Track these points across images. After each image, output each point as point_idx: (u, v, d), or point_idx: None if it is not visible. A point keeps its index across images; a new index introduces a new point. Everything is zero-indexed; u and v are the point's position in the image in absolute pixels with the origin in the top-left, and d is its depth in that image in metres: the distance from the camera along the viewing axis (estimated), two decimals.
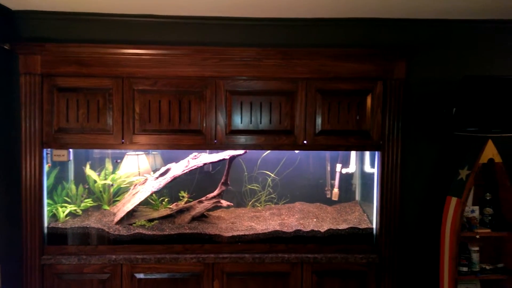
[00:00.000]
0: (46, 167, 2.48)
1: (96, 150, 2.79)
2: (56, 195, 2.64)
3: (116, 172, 2.78)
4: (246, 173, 2.93)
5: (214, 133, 2.47)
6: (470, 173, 2.42)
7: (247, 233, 2.56)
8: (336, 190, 2.93)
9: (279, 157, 2.91)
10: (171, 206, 2.72)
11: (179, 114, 2.45)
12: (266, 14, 2.57)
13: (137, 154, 2.82)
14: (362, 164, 2.87)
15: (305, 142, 2.49)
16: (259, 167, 2.92)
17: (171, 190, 2.79)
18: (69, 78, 2.40)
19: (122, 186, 2.78)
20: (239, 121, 2.48)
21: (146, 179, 2.73)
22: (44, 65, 2.38)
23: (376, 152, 2.54)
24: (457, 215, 2.40)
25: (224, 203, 2.77)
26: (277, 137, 2.49)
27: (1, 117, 2.45)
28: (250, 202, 2.96)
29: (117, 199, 2.78)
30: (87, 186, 2.73)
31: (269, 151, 2.84)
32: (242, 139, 2.49)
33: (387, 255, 2.51)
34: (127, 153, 2.82)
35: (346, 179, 2.97)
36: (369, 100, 2.48)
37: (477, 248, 2.51)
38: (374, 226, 2.58)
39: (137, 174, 2.79)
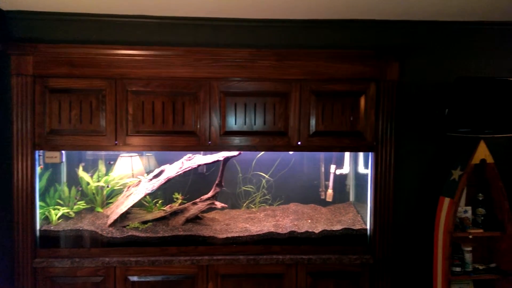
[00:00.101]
0: (38, 169, 2.46)
1: (89, 152, 2.77)
2: (48, 197, 2.61)
3: (109, 174, 2.76)
4: (240, 175, 2.93)
5: (208, 135, 2.46)
6: (462, 173, 2.44)
7: (241, 234, 2.55)
8: (330, 191, 2.94)
9: (274, 158, 2.91)
10: (165, 208, 2.71)
11: (173, 115, 2.44)
12: (260, 15, 2.57)
13: (131, 156, 2.80)
14: (356, 165, 2.88)
15: (299, 143, 2.50)
16: (254, 168, 2.91)
17: (165, 192, 2.78)
18: (62, 79, 2.38)
19: (115, 188, 2.76)
20: (233, 122, 2.48)
21: (139, 181, 2.72)
22: (36, 66, 2.36)
23: (370, 153, 2.55)
24: (450, 215, 2.42)
25: (219, 204, 2.76)
26: (271, 138, 2.49)
27: None
28: (245, 204, 2.96)
29: (110, 201, 2.76)
30: (80, 188, 2.70)
31: (263, 152, 2.84)
32: (236, 140, 2.48)
33: (381, 256, 2.52)
34: (121, 155, 2.80)
35: (340, 180, 2.98)
36: (362, 101, 2.49)
37: (470, 248, 2.53)
38: (368, 227, 2.59)
39: (131, 176, 2.77)
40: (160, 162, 2.84)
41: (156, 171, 2.71)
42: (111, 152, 2.77)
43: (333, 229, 2.58)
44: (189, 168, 2.65)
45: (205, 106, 2.44)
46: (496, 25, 2.69)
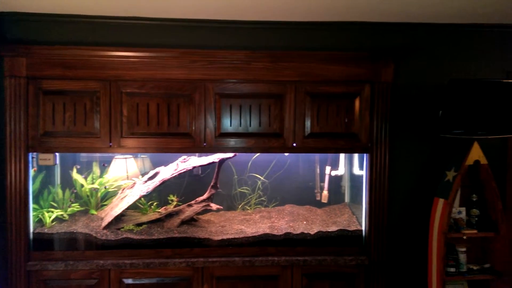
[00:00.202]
0: (31, 172, 2.44)
1: (83, 154, 2.76)
2: (42, 200, 2.59)
3: (103, 176, 2.74)
4: (236, 176, 2.92)
5: (203, 136, 2.46)
6: (456, 174, 2.45)
7: (237, 236, 2.55)
8: (325, 192, 2.94)
9: (269, 160, 2.91)
10: (160, 210, 2.70)
11: (168, 117, 2.43)
12: (255, 17, 2.57)
13: (125, 158, 2.79)
14: (351, 166, 2.89)
15: (294, 144, 2.50)
16: (249, 170, 2.91)
17: (160, 193, 2.77)
18: (55, 80, 2.37)
19: (110, 190, 2.74)
20: (229, 124, 2.48)
21: (134, 183, 2.70)
22: (30, 67, 2.34)
23: (365, 155, 2.56)
24: (444, 216, 2.43)
25: (214, 206, 2.75)
26: (267, 140, 2.49)
27: None
28: (240, 205, 2.95)
29: (105, 203, 2.75)
30: (75, 191, 2.68)
31: (258, 154, 2.84)
32: (231, 142, 2.48)
33: (376, 257, 2.53)
34: (115, 157, 2.78)
35: (336, 181, 2.99)
36: (357, 103, 2.50)
37: (464, 249, 2.54)
38: (363, 228, 2.59)
39: (126, 178, 2.76)
40: (155, 164, 2.83)
41: (151, 173, 2.70)
42: (105, 154, 2.76)
43: (329, 230, 2.59)
44: (184, 170, 2.65)
45: (200, 108, 2.44)
46: (490, 27, 2.72)
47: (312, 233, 2.57)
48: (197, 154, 2.73)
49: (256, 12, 2.46)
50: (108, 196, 2.77)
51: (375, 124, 2.50)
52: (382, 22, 2.67)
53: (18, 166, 2.36)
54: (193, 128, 2.45)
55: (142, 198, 2.67)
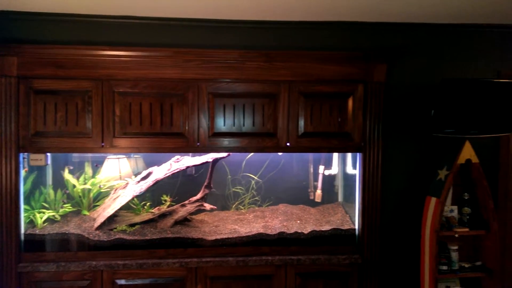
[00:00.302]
0: (22, 172, 2.41)
1: (75, 154, 2.73)
2: (33, 200, 2.56)
3: (96, 176, 2.72)
4: (229, 176, 2.92)
5: (197, 136, 2.45)
6: (448, 173, 2.47)
7: (230, 236, 2.54)
8: (319, 191, 2.95)
9: (263, 159, 2.90)
10: (153, 211, 2.68)
11: (161, 116, 2.42)
12: (249, 17, 2.57)
13: (118, 158, 2.76)
14: (344, 165, 2.90)
15: (288, 144, 2.50)
16: (243, 170, 2.91)
17: (153, 194, 2.75)
18: (47, 80, 2.34)
19: (102, 190, 2.72)
20: (222, 123, 2.47)
21: (127, 183, 2.68)
22: (21, 67, 2.31)
23: (358, 154, 2.57)
24: (436, 215, 2.45)
25: (208, 206, 2.75)
26: (261, 140, 2.49)
27: None
28: (234, 205, 2.95)
29: (97, 204, 2.72)
30: (67, 191, 2.66)
31: (252, 153, 2.84)
32: (225, 141, 2.48)
33: (369, 255, 2.54)
34: (108, 157, 2.76)
35: (329, 180, 3.00)
36: (350, 102, 2.51)
37: (456, 247, 2.57)
38: (357, 226, 2.60)
39: (118, 178, 2.74)
40: (148, 164, 2.82)
41: (144, 173, 2.69)
42: (97, 154, 2.73)
43: (322, 229, 2.60)
44: (178, 170, 2.64)
45: (193, 108, 2.43)
46: (481, 27, 2.75)
47: (305, 232, 2.58)
48: (190, 154, 2.72)
49: (250, 12, 2.46)
50: (100, 196, 2.75)
51: (368, 124, 2.51)
52: (376, 22, 2.68)
53: (8, 166, 2.33)
54: (187, 128, 2.44)
55: (135, 199, 2.65)
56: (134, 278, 2.41)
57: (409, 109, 2.75)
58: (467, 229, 2.55)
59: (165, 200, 2.74)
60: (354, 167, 2.67)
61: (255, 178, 2.91)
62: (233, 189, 2.94)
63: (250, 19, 2.61)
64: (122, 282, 2.40)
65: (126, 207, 2.63)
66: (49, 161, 2.51)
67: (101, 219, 2.52)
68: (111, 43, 2.53)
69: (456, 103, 2.39)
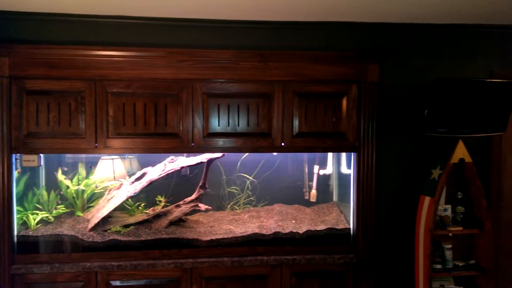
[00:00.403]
0: (15, 173, 2.39)
1: (68, 155, 2.71)
2: (26, 202, 2.54)
3: (89, 177, 2.70)
4: (224, 177, 2.91)
5: (191, 136, 2.44)
6: (442, 172, 2.49)
7: (225, 236, 2.54)
8: (314, 191, 2.96)
9: (258, 160, 2.90)
10: (147, 211, 2.67)
11: (155, 117, 2.41)
12: (243, 17, 2.56)
13: (112, 158, 2.75)
14: (339, 165, 2.91)
15: (282, 144, 2.50)
16: (238, 170, 2.91)
17: (148, 194, 2.74)
18: (39, 80, 2.32)
19: (96, 191, 2.70)
20: (217, 123, 2.47)
21: (121, 184, 2.67)
22: (13, 67, 2.29)
23: (352, 154, 2.58)
24: (430, 214, 2.47)
25: (203, 206, 2.74)
26: (255, 140, 2.49)
27: None
28: (229, 205, 2.94)
29: (91, 205, 2.71)
30: (61, 192, 2.64)
31: (247, 154, 2.84)
32: (220, 142, 2.47)
33: (364, 255, 2.55)
34: (102, 157, 2.75)
35: (324, 180, 3.00)
36: (344, 102, 2.52)
37: (450, 246, 2.58)
38: (351, 226, 2.61)
39: (112, 179, 2.72)
40: (143, 165, 2.80)
41: (138, 173, 2.68)
42: (91, 155, 2.72)
43: (317, 229, 2.60)
44: (172, 170, 2.63)
45: (187, 108, 2.42)
46: (474, 27, 2.77)
47: (301, 232, 2.58)
48: (185, 154, 2.71)
49: (245, 12, 2.46)
50: (94, 197, 2.73)
51: (362, 124, 2.52)
52: (370, 23, 2.69)
53: (1, 167, 2.31)
54: (181, 128, 2.43)
55: (129, 199, 2.64)
56: (129, 279, 2.39)
57: (403, 108, 2.76)
58: (460, 228, 2.56)
59: (160, 201, 2.73)
60: (349, 166, 2.68)
61: (250, 178, 2.91)
62: (228, 189, 2.93)
63: (244, 19, 2.61)
64: (117, 283, 2.39)
65: (121, 208, 2.61)
66: (42, 162, 2.49)
67: (95, 220, 2.50)
68: (104, 43, 2.51)
69: (449, 102, 2.41)
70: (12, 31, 2.48)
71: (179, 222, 2.66)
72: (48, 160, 2.66)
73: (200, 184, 2.75)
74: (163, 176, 2.62)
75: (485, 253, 2.57)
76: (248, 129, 2.49)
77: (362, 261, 2.55)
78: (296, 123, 2.50)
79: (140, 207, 2.69)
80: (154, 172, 2.64)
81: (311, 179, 2.97)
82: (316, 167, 2.94)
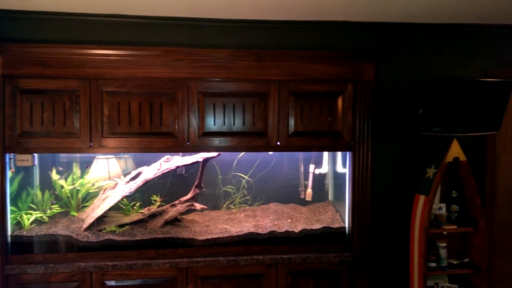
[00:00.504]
0: (9, 173, 2.37)
1: (63, 155, 2.69)
2: (20, 201, 2.52)
3: (84, 177, 2.69)
4: (220, 176, 2.91)
5: (186, 136, 2.43)
6: (437, 171, 2.50)
7: (221, 235, 2.54)
8: (309, 190, 2.96)
9: (254, 159, 2.90)
10: (143, 211, 2.66)
11: (150, 116, 2.40)
12: (239, 16, 2.56)
13: (107, 158, 2.74)
14: (334, 164, 2.92)
15: (278, 143, 2.50)
16: (234, 169, 2.90)
17: (143, 194, 2.73)
18: (33, 79, 2.31)
19: (91, 191, 2.69)
20: (212, 123, 2.46)
21: (116, 184, 2.66)
22: (6, 66, 2.27)
23: (348, 153, 2.59)
24: (425, 212, 2.48)
25: (198, 206, 2.73)
26: (251, 139, 2.49)
27: None
28: (225, 205, 2.94)
29: (86, 204, 2.69)
30: (56, 192, 2.62)
31: (243, 153, 2.83)
32: (215, 141, 2.47)
33: (359, 253, 2.56)
34: (97, 157, 2.73)
35: (319, 179, 3.01)
36: (340, 101, 2.52)
37: (444, 244, 2.60)
38: (347, 225, 2.62)
39: (107, 178, 2.71)
40: (138, 164, 2.79)
41: (134, 173, 2.67)
42: (86, 155, 2.70)
43: (313, 228, 2.60)
44: (167, 170, 2.62)
45: (183, 107, 2.42)
46: (468, 27, 2.78)
47: (296, 231, 2.58)
48: (180, 153, 2.71)
49: (241, 11, 2.45)
50: (89, 197, 2.71)
51: (357, 123, 2.53)
52: (366, 22, 2.70)
53: None
54: (176, 127, 2.42)
55: (125, 199, 2.63)
56: (124, 279, 2.38)
57: (398, 108, 2.77)
58: (455, 227, 2.58)
59: (155, 200, 2.72)
60: (344, 165, 2.68)
61: (246, 177, 2.91)
62: (224, 189, 2.93)
63: (240, 18, 2.60)
64: (112, 283, 2.38)
65: (116, 208, 2.60)
66: (36, 162, 2.47)
67: (90, 220, 2.49)
68: (99, 42, 2.50)
69: (443, 102, 2.42)
70: (6, 29, 2.45)
71: (174, 221, 2.66)
72: (43, 160, 2.64)
73: (195, 183, 2.75)
74: (159, 175, 2.61)
75: (479, 251, 2.59)
76: (243, 128, 2.48)
77: (357, 260, 2.56)
78: (291, 122, 2.50)
79: (135, 207, 2.68)
80: (150, 172, 2.63)
81: (306, 178, 2.98)
82: (311, 166, 2.95)
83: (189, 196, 2.73)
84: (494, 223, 2.92)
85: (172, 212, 2.64)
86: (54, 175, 2.62)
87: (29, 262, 2.36)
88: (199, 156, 2.67)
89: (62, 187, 2.62)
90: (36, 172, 2.65)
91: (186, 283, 2.43)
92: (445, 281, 2.67)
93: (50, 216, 2.58)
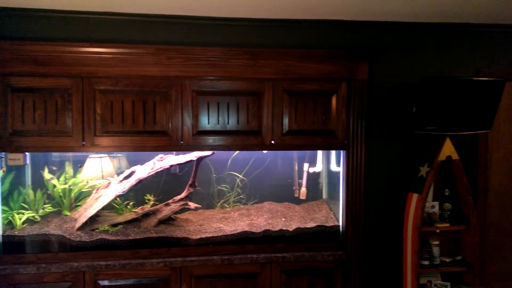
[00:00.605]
0: (0, 172, 2.34)
1: (55, 154, 2.67)
2: (12, 201, 2.49)
3: (77, 176, 2.66)
4: (214, 175, 2.90)
5: (180, 134, 2.42)
6: (430, 170, 2.52)
7: (215, 235, 2.53)
8: (303, 189, 2.96)
9: (248, 158, 2.90)
10: (136, 210, 2.65)
11: (144, 114, 2.38)
12: (233, 14, 2.55)
13: (100, 157, 2.72)
14: (329, 163, 2.92)
15: (272, 142, 2.50)
16: (229, 168, 2.90)
17: (137, 193, 2.71)
18: (25, 77, 2.28)
19: (83, 190, 2.67)
20: (206, 121, 2.45)
21: (109, 183, 2.64)
22: None
23: (342, 151, 2.59)
24: (418, 210, 2.49)
25: (192, 205, 2.73)
26: (245, 138, 2.48)
27: None
28: (219, 204, 2.94)
29: (79, 204, 2.67)
30: (48, 192, 2.59)
31: (238, 152, 2.83)
32: (209, 140, 2.46)
33: (353, 251, 2.57)
34: (90, 156, 2.71)
35: (314, 178, 3.01)
36: (334, 100, 2.53)
37: (437, 242, 2.62)
38: (341, 223, 2.63)
39: (100, 178, 2.69)
40: (131, 163, 2.78)
41: (127, 172, 2.65)
42: (78, 153, 2.68)
43: (307, 226, 2.61)
44: (161, 169, 2.61)
45: (177, 105, 2.41)
46: (462, 26, 2.80)
47: (290, 229, 2.59)
48: (174, 152, 2.69)
49: (235, 9, 2.45)
50: (82, 196, 2.69)
51: (351, 121, 2.53)
52: (360, 21, 2.71)
53: None
54: (170, 126, 2.41)
55: (118, 198, 2.61)
56: (117, 278, 2.37)
57: (392, 107, 2.79)
58: (447, 225, 2.60)
59: (149, 200, 2.71)
60: (338, 164, 2.69)
61: (240, 176, 2.90)
62: (218, 187, 2.92)
63: (234, 17, 2.60)
64: (105, 283, 2.36)
65: (109, 207, 2.59)
66: (28, 161, 2.45)
67: (82, 220, 2.47)
68: (91, 39, 2.48)
69: (437, 101, 2.44)
70: None
71: (168, 220, 2.65)
72: (35, 159, 2.61)
73: (189, 182, 2.74)
74: (152, 174, 2.59)
75: (472, 249, 2.61)
76: (238, 127, 2.48)
77: (351, 258, 2.57)
78: (286, 121, 2.50)
79: (128, 206, 2.66)
80: (143, 171, 2.61)
81: (301, 177, 2.98)
82: (306, 165, 2.95)
83: (183, 195, 2.71)
84: (486, 220, 2.95)
85: (166, 211, 2.63)
86: (46, 175, 2.60)
87: (21, 262, 2.33)
88: (193, 155, 2.66)
89: (54, 186, 2.60)
90: (28, 171, 2.62)
91: (180, 283, 2.42)
92: (437, 279, 2.69)
93: (42, 215, 2.55)
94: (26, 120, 2.30)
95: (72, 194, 2.65)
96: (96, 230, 2.47)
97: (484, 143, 2.90)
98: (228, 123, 2.47)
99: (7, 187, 2.45)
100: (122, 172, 2.69)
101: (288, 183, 3.00)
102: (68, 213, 2.61)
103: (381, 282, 2.84)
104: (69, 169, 2.65)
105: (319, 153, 2.96)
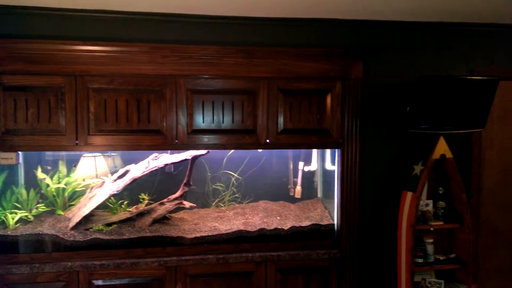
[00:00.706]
0: None
1: (48, 153, 2.64)
2: (4, 200, 2.47)
3: (70, 175, 2.64)
4: (209, 174, 2.90)
5: (175, 133, 2.41)
6: (424, 168, 2.53)
7: (210, 233, 2.53)
8: (298, 187, 2.97)
9: (243, 156, 2.89)
10: (131, 209, 2.64)
11: (138, 113, 2.37)
12: (228, 12, 2.54)
13: (94, 156, 2.70)
14: (323, 161, 2.93)
15: (267, 141, 2.50)
16: (224, 167, 2.89)
17: (131, 192, 2.70)
18: (17, 76, 2.26)
19: (77, 189, 2.65)
20: (201, 120, 2.44)
21: (103, 182, 2.62)
22: None
23: (336, 150, 2.60)
24: (412, 209, 2.51)
25: (187, 204, 2.72)
26: (240, 136, 2.48)
27: None
28: (214, 203, 2.93)
29: (72, 203, 2.65)
30: (42, 191, 2.57)
31: (233, 151, 2.82)
32: (204, 138, 2.45)
33: (347, 250, 2.58)
34: (84, 155, 2.69)
35: (308, 176, 3.02)
36: (329, 99, 2.53)
37: (431, 240, 2.63)
38: (335, 222, 2.63)
39: (94, 177, 2.67)
40: (126, 162, 2.76)
41: (121, 171, 2.63)
42: (72, 152, 2.66)
43: (302, 225, 2.61)
44: (156, 168, 2.59)
45: (171, 104, 2.39)
46: (456, 26, 2.81)
47: (285, 228, 2.59)
48: (169, 151, 2.68)
49: (230, 8, 2.44)
50: (75, 195, 2.67)
51: (346, 120, 2.54)
52: (355, 20, 2.71)
53: None
54: (164, 125, 2.40)
55: (112, 197, 2.60)
56: (112, 278, 2.36)
57: (386, 105, 2.80)
58: (441, 223, 2.62)
59: (143, 199, 2.69)
60: (333, 163, 2.70)
61: (235, 175, 2.90)
62: (213, 186, 2.92)
63: (229, 15, 2.59)
64: (99, 282, 2.35)
65: (103, 206, 2.57)
66: (21, 160, 2.42)
67: (76, 219, 2.45)
68: (85, 37, 2.46)
69: (431, 99, 2.45)
70: None
71: (163, 220, 2.64)
72: (27, 158, 2.59)
73: (184, 181, 2.73)
74: (147, 173, 2.58)
75: (465, 247, 2.63)
76: (233, 126, 2.47)
77: (346, 256, 2.58)
78: (281, 120, 2.50)
79: (123, 205, 2.64)
80: (137, 170, 2.60)
81: (296, 176, 2.98)
82: (301, 164, 2.95)
83: (177, 194, 2.71)
84: (479, 219, 2.97)
85: (160, 210, 2.62)
86: (40, 174, 2.57)
87: (14, 262, 2.32)
88: (188, 154, 2.65)
89: (47, 185, 2.58)
90: (21, 170, 2.60)
91: (175, 282, 2.41)
92: (432, 277, 2.70)
93: (35, 215, 2.53)
94: (19, 119, 2.28)
95: (66, 194, 2.63)
96: (90, 229, 2.46)
97: (478, 141, 2.92)
98: (223, 122, 2.47)
99: None
100: (116, 171, 2.67)
101: (283, 182, 3.00)
102: (62, 213, 2.59)
103: (375, 280, 2.85)
104: (62, 168, 2.63)
105: (314, 151, 2.96)
